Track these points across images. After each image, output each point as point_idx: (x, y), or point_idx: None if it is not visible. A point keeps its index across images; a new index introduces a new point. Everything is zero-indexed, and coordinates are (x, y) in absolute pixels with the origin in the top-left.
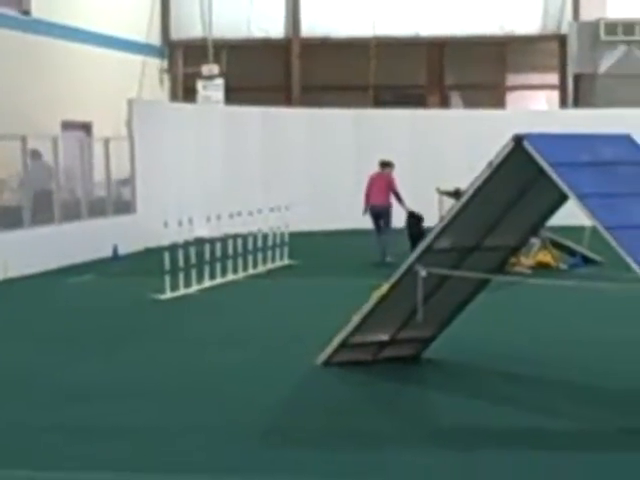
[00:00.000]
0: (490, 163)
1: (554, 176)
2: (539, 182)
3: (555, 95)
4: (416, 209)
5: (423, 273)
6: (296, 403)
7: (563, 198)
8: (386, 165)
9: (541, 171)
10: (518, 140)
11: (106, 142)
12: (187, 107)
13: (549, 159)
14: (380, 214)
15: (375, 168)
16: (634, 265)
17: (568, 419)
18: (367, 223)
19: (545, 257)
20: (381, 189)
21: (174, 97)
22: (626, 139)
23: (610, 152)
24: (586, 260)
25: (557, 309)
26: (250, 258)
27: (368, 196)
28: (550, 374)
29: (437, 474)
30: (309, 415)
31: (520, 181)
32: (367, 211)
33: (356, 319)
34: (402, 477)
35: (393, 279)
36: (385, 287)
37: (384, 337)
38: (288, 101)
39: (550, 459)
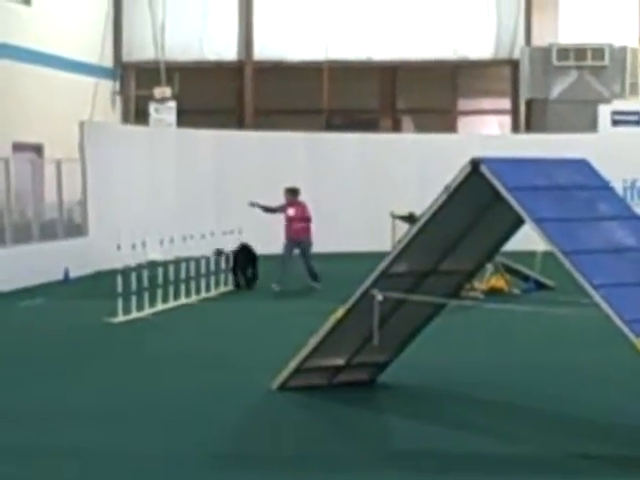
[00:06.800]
0: (447, 187)
1: (511, 200)
2: (495, 206)
3: (507, 120)
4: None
5: (379, 297)
6: (250, 427)
7: (519, 223)
8: (297, 192)
9: (498, 195)
10: (475, 164)
11: (58, 164)
12: (139, 130)
13: (506, 183)
14: (303, 243)
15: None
16: (590, 290)
17: (522, 443)
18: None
19: (498, 282)
20: (304, 220)
21: (126, 119)
22: (582, 164)
23: (566, 177)
24: (539, 285)
25: (511, 334)
26: (203, 281)
27: (291, 227)
28: (504, 398)
29: None
30: (262, 439)
31: (476, 205)
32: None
33: (312, 343)
34: None
35: (349, 303)
36: (340, 311)
37: (340, 361)
38: (241, 124)
39: None
